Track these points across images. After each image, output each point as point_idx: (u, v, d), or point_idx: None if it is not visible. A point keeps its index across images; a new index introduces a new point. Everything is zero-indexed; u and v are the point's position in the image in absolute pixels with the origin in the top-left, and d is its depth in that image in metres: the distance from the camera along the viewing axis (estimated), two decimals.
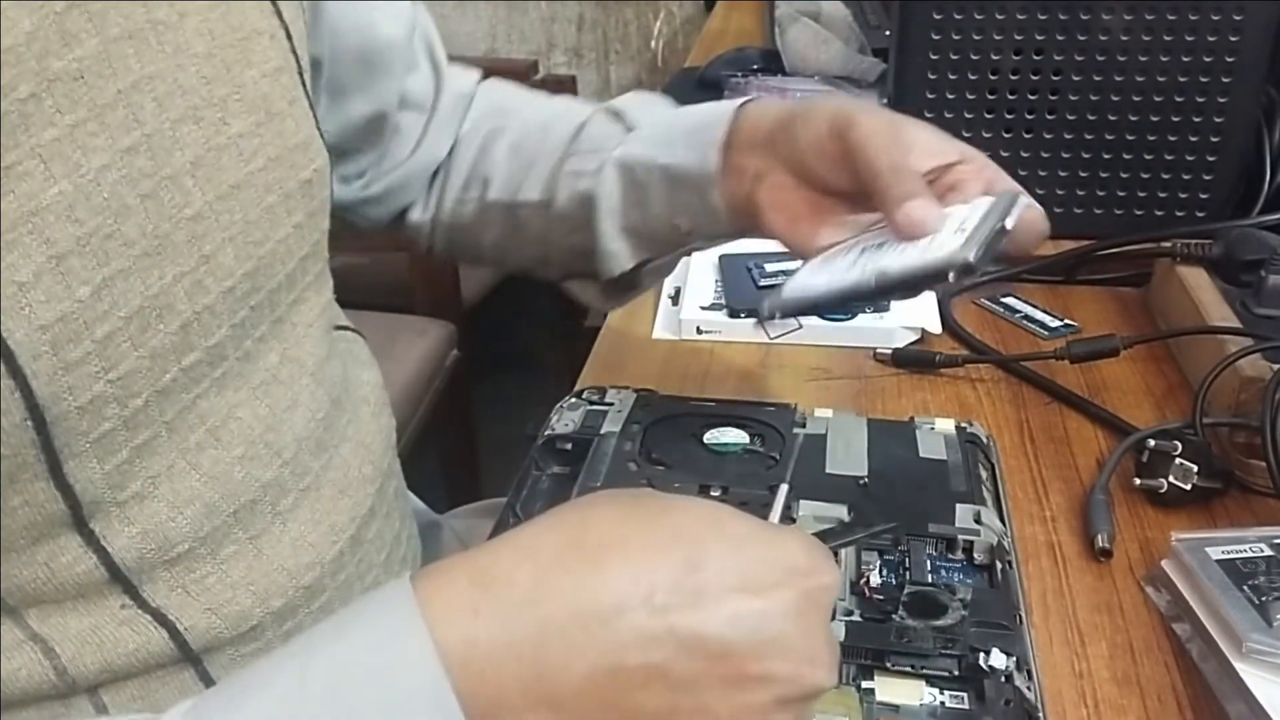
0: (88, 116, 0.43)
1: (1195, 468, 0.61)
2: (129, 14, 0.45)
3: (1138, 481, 0.63)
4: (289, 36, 0.55)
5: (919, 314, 0.81)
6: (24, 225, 0.40)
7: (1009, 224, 0.49)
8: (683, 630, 0.35)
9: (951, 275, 0.47)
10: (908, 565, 0.52)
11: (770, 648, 0.36)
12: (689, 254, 0.72)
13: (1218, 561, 0.53)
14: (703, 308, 0.82)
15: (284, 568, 0.52)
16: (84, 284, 0.42)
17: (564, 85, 2.17)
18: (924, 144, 0.55)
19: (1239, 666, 0.49)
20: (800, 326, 0.80)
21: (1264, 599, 0.51)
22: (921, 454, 0.60)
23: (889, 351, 0.78)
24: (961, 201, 0.52)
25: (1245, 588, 0.51)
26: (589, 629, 0.35)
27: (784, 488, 0.51)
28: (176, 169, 0.47)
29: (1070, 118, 0.87)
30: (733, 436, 0.62)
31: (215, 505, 0.50)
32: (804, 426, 0.63)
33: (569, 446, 0.62)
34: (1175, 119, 0.86)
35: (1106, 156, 0.88)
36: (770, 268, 0.84)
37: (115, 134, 0.44)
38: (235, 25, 0.51)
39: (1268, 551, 0.54)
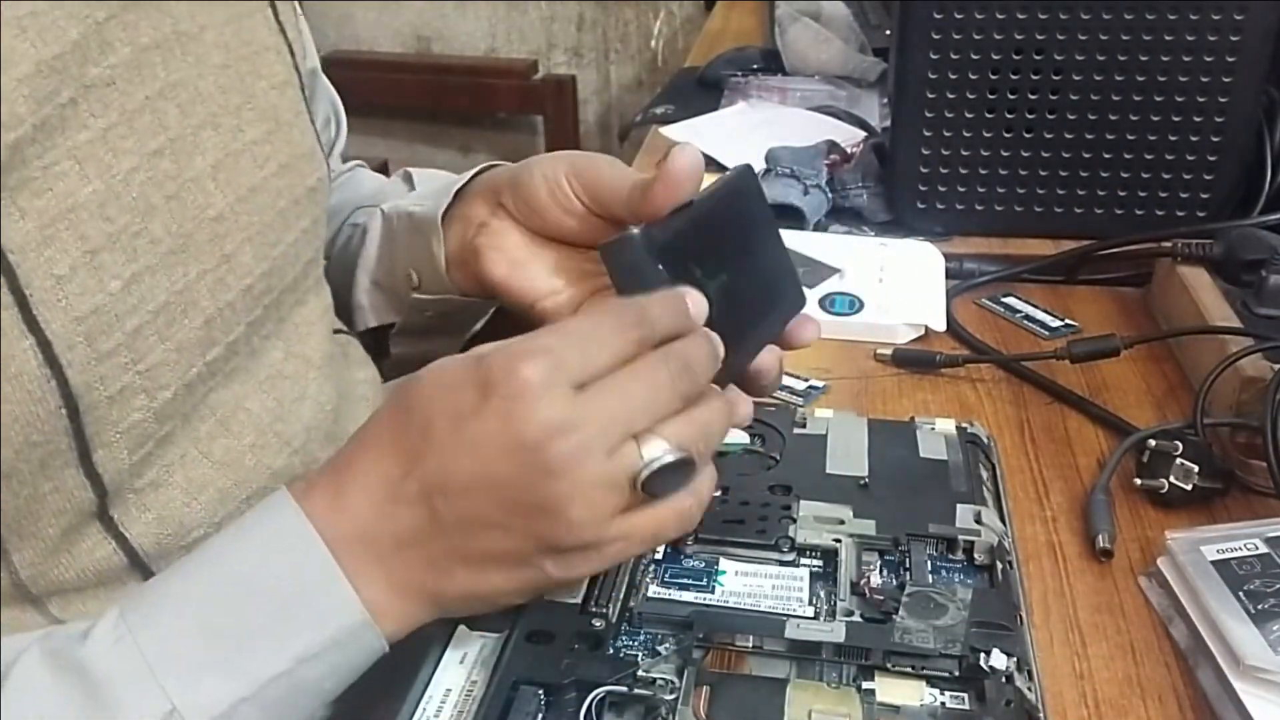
0: (118, 121, 0.45)
1: (1196, 468, 0.61)
2: (158, 24, 0.47)
3: (1138, 482, 0.63)
4: (291, 53, 0.58)
5: (924, 310, 0.81)
6: (61, 222, 0.42)
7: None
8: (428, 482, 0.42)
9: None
10: (908, 565, 0.52)
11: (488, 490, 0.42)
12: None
13: (1213, 563, 0.53)
14: None
15: None
16: (115, 278, 0.45)
17: (564, 85, 2.17)
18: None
19: (1238, 686, 0.48)
20: None
21: (1260, 606, 0.50)
22: (922, 454, 0.60)
23: (889, 351, 0.78)
24: None
25: (1241, 593, 0.51)
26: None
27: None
28: (199, 172, 0.49)
29: (1070, 117, 0.87)
30: (733, 436, 0.61)
31: (228, 492, 0.52)
32: (804, 426, 0.63)
33: None
34: (1175, 119, 0.86)
35: (1107, 156, 0.88)
36: None
37: (143, 138, 0.46)
38: (247, 40, 0.53)
39: (1262, 548, 0.53)
